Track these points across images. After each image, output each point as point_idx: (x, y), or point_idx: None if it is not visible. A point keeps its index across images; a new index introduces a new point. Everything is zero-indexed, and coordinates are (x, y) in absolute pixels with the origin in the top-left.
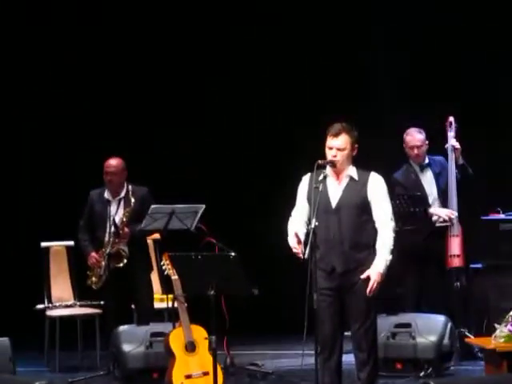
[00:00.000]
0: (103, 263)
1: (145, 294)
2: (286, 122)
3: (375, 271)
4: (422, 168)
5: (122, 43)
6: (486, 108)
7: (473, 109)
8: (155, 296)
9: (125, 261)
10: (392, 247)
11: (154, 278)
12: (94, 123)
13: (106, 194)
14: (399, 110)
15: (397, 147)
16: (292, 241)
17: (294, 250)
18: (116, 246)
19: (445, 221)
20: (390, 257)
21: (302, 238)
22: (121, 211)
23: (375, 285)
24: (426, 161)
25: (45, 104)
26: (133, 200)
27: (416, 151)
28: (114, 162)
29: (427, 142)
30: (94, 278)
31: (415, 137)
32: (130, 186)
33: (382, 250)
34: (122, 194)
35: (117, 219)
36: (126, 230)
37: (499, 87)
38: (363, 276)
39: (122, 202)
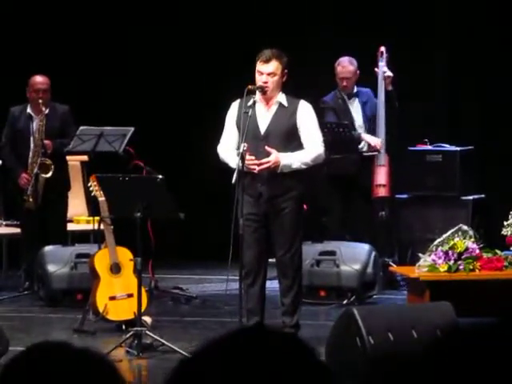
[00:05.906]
0: (33, 181)
1: (59, 213)
2: (222, 47)
3: (277, 155)
4: (350, 96)
5: None
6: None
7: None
8: (81, 218)
9: (52, 168)
10: (311, 162)
11: (81, 199)
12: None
13: (29, 110)
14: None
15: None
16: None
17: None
18: (39, 158)
19: (370, 150)
20: (300, 165)
21: (234, 164)
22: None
23: (266, 164)
24: (355, 90)
25: None
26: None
27: (345, 83)
28: (43, 79)
29: (358, 72)
30: (30, 199)
31: (346, 68)
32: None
33: (300, 153)
34: (47, 111)
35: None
36: (47, 141)
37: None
38: (268, 159)
39: (44, 119)
